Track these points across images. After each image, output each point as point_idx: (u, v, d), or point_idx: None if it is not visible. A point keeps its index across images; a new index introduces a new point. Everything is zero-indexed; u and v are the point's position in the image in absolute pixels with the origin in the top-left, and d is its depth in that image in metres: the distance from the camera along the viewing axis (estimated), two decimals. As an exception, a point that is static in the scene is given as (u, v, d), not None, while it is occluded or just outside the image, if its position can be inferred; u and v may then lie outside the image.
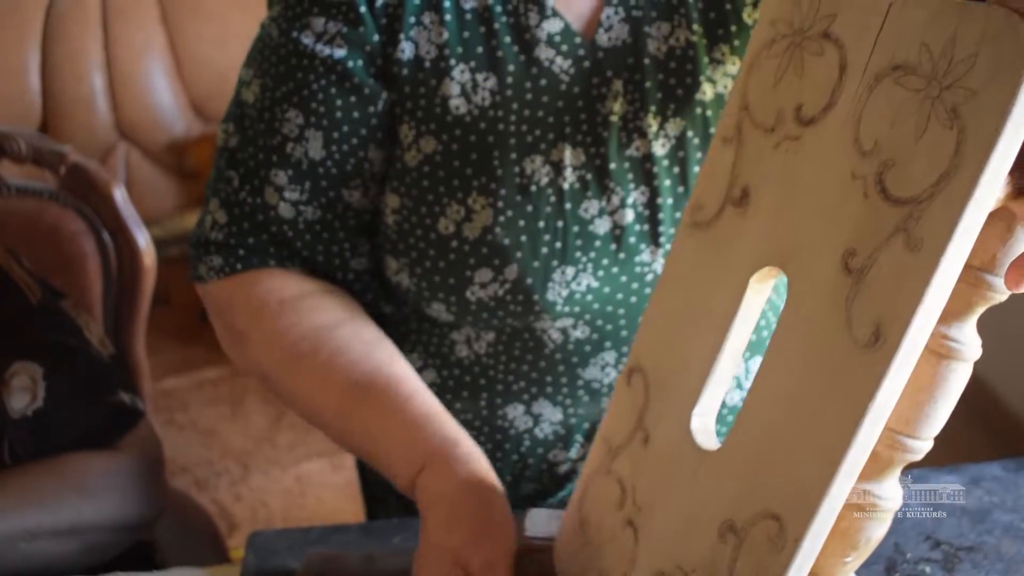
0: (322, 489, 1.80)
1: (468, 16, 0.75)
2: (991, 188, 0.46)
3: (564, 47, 0.75)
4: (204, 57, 2.26)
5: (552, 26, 0.75)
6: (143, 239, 1.26)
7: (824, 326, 0.52)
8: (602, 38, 0.76)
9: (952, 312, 0.61)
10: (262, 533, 0.88)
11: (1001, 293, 0.59)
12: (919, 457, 0.64)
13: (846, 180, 0.51)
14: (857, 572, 0.66)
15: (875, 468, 0.65)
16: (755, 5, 0.77)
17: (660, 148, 0.77)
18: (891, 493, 0.65)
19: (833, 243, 0.52)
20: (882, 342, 0.49)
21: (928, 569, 0.82)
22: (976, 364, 0.59)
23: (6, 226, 1.14)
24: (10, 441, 0.93)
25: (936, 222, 0.47)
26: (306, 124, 0.77)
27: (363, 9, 0.74)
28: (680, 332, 0.61)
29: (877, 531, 0.66)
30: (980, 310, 0.61)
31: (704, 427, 0.59)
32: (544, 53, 0.75)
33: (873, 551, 0.64)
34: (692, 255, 0.60)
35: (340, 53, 0.76)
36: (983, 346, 0.58)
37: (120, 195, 1.24)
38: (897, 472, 0.65)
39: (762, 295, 0.57)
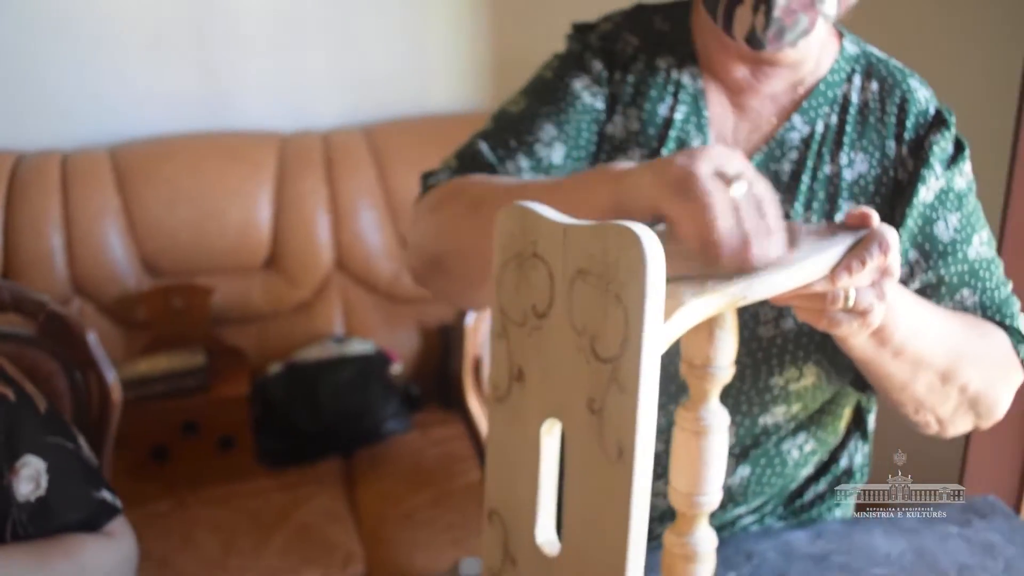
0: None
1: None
2: (653, 338, 0.69)
3: None
4: (155, 219, 2.44)
5: None
6: (111, 377, 1.44)
7: (590, 452, 0.73)
8: None
9: (697, 399, 0.85)
10: None
11: (725, 373, 0.83)
12: (715, 506, 0.87)
13: (575, 352, 0.74)
14: None
15: (686, 524, 0.88)
16: None
17: None
18: (705, 537, 0.88)
19: (581, 395, 0.74)
20: (624, 455, 0.71)
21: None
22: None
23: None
24: (14, 521, 1.14)
25: (629, 369, 0.69)
26: (557, 137, 1.04)
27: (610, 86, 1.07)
28: (511, 479, 0.82)
29: (706, 568, 0.89)
30: (715, 391, 0.84)
31: (547, 540, 0.80)
32: None
33: None
34: (502, 422, 0.82)
35: (599, 105, 1.06)
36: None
37: (92, 339, 1.43)
38: (704, 522, 0.88)
39: (554, 438, 0.79)
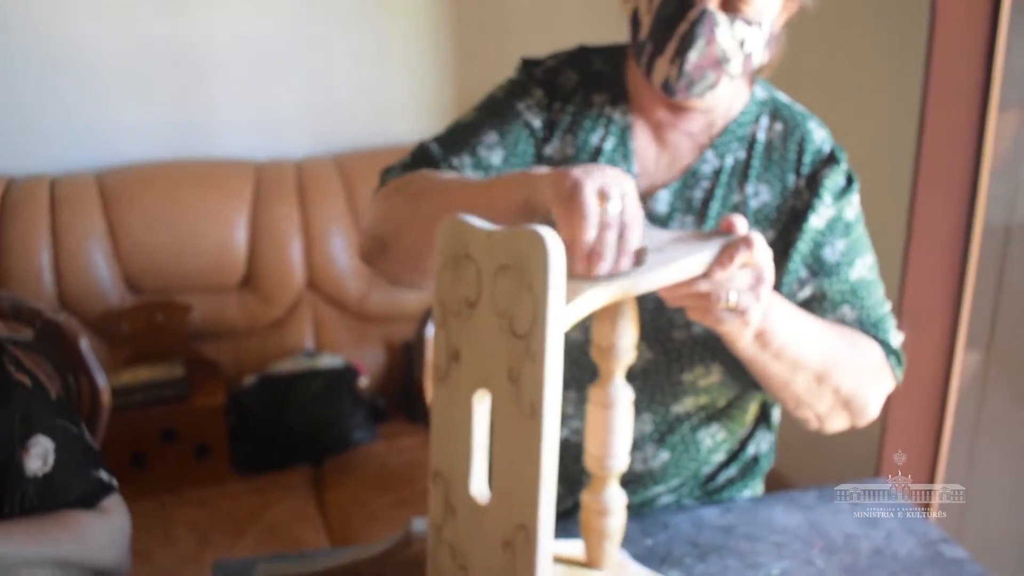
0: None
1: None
2: (556, 317, 0.86)
3: None
4: (137, 240, 2.60)
5: None
6: (102, 381, 1.57)
7: (510, 414, 0.90)
8: None
9: (605, 378, 1.01)
10: (226, 560, 1.22)
11: (628, 355, 1.00)
12: (623, 470, 1.03)
13: (498, 332, 0.90)
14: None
15: (599, 484, 1.04)
16: None
17: None
18: (615, 495, 1.04)
19: (503, 367, 0.90)
20: (536, 413, 0.87)
21: (688, 560, 1.19)
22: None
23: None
24: (22, 495, 1.28)
25: (538, 343, 0.86)
26: (497, 143, 1.21)
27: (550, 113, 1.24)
28: (452, 445, 0.98)
29: (616, 521, 1.05)
30: (620, 371, 1.01)
31: (479, 492, 0.96)
32: None
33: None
34: (442, 398, 0.99)
35: (537, 123, 1.23)
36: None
37: (84, 345, 1.56)
38: (614, 483, 1.04)
39: (484, 406, 0.95)
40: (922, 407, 1.93)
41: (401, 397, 2.72)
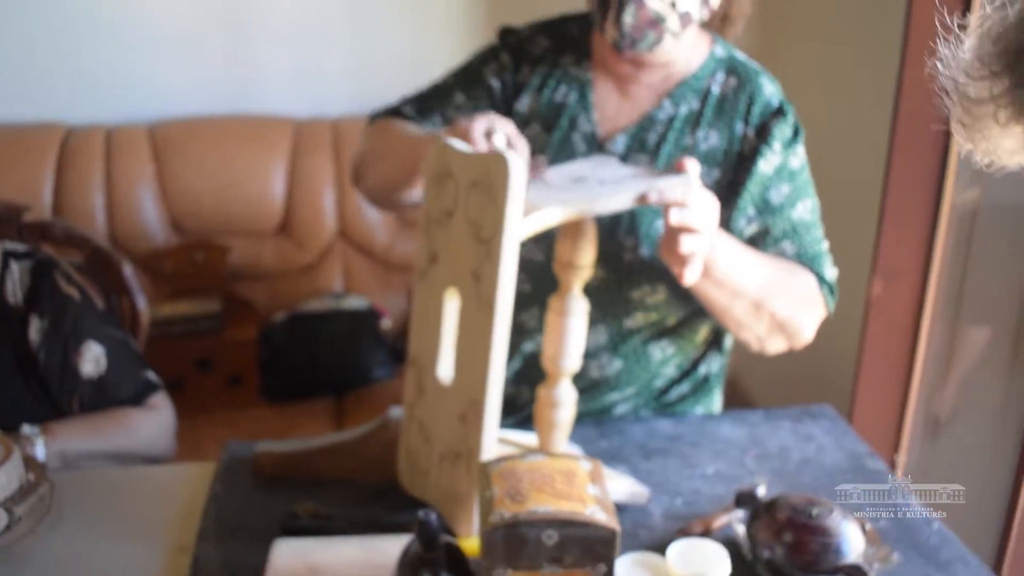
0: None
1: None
2: (513, 225, 1.04)
3: None
4: (184, 186, 2.82)
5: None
6: (142, 303, 1.76)
7: (472, 308, 1.07)
8: None
9: (564, 290, 1.19)
10: (235, 441, 1.41)
11: (585, 271, 1.17)
12: (575, 370, 1.20)
13: (468, 238, 1.08)
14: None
15: (552, 380, 1.22)
16: None
17: None
18: (566, 390, 1.21)
19: (469, 268, 1.08)
20: (491, 306, 1.05)
21: (635, 459, 1.36)
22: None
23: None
24: (80, 396, 1.45)
25: (497, 247, 1.04)
26: (464, 104, 1.43)
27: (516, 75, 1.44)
28: (427, 335, 1.17)
29: (566, 415, 1.22)
30: (578, 285, 1.18)
31: (445, 375, 1.14)
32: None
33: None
34: (421, 295, 1.17)
35: (497, 86, 1.43)
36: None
37: (128, 270, 1.76)
38: (567, 381, 1.21)
39: (453, 303, 1.13)
40: (895, 350, 2.09)
41: (421, 342, 2.89)
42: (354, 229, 2.90)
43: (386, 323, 2.79)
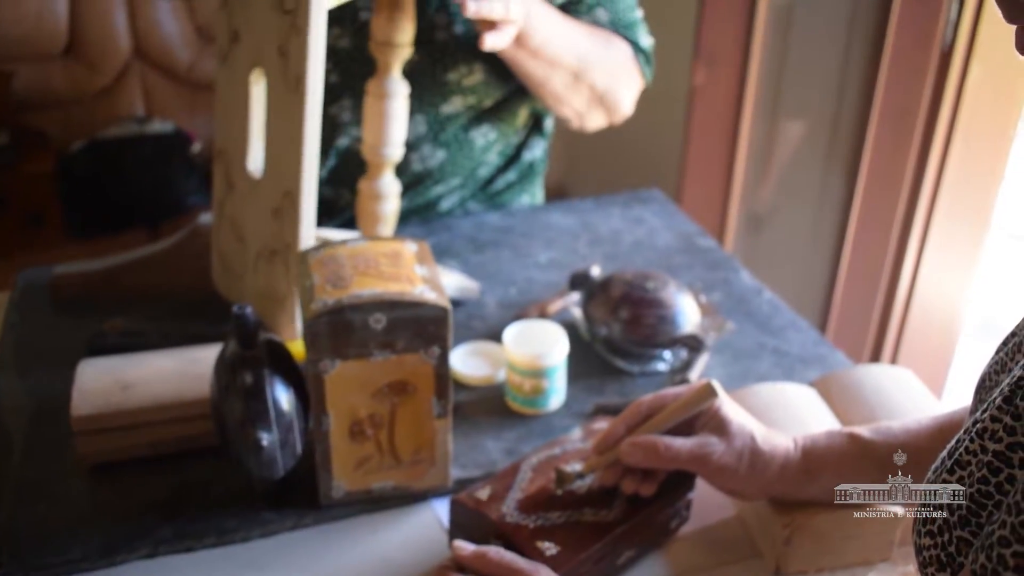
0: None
1: None
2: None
3: None
4: None
5: None
6: None
7: (280, 89, 0.97)
8: None
9: (382, 71, 1.09)
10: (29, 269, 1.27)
11: (404, 50, 1.07)
12: (398, 159, 1.13)
13: (272, 8, 0.96)
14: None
15: (375, 172, 1.13)
16: None
17: None
18: (389, 182, 1.13)
19: (275, 44, 0.98)
20: (300, 83, 0.96)
21: (466, 253, 1.32)
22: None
23: None
24: None
25: (304, 17, 0.93)
26: None
27: None
28: (232, 123, 1.06)
29: (390, 208, 1.15)
30: (396, 65, 1.07)
31: (254, 166, 1.05)
32: None
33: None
34: (224, 81, 1.06)
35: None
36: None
37: None
38: (389, 172, 1.14)
39: (260, 86, 1.03)
40: (718, 140, 2.10)
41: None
42: (151, 47, 2.68)
43: (196, 147, 2.63)
